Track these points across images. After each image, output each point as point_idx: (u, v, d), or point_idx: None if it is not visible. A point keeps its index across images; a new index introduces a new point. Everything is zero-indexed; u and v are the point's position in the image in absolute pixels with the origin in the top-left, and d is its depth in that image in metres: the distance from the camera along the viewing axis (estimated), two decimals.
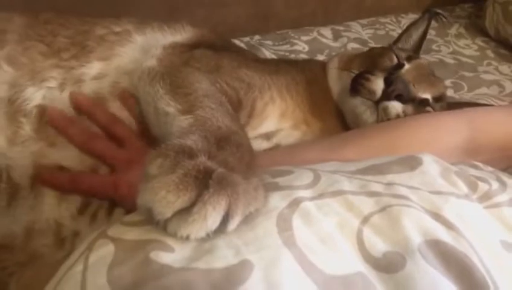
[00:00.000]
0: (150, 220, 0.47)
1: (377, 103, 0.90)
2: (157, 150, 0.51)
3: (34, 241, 0.81)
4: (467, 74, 1.60)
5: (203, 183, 0.47)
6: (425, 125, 0.85)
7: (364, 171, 0.63)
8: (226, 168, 0.51)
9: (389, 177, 0.61)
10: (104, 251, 0.45)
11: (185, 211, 0.46)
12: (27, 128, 0.84)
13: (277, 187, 0.57)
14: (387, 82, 0.90)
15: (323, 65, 1.10)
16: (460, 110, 0.89)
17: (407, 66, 0.99)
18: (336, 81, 1.03)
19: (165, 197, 0.46)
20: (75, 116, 0.86)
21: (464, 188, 0.61)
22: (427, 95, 0.98)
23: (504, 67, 1.66)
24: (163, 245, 0.44)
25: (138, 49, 0.98)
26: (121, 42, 0.97)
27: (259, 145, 0.91)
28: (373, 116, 0.91)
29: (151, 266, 0.42)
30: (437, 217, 0.55)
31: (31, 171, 0.82)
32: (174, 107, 0.71)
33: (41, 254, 0.81)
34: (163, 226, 0.46)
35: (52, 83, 0.89)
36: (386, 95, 0.90)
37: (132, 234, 0.47)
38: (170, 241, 0.45)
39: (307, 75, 1.03)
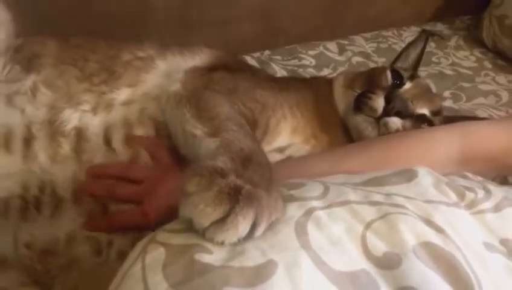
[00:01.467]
0: (191, 228, 0.58)
1: (378, 119, 1.01)
2: (193, 170, 0.62)
3: (75, 248, 0.91)
4: (465, 84, 1.69)
5: (234, 198, 0.57)
6: (421, 139, 0.95)
7: (367, 183, 0.74)
8: (251, 184, 0.61)
9: (388, 188, 0.71)
10: (157, 253, 0.55)
11: (220, 221, 0.56)
12: (66, 147, 0.94)
13: (293, 198, 0.67)
14: (387, 100, 1.01)
15: (329, 82, 1.21)
16: (453, 125, 0.99)
17: (408, 84, 1.09)
18: (341, 98, 1.13)
19: (203, 210, 0.56)
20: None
21: (453, 197, 0.72)
22: (425, 111, 1.08)
23: (501, 78, 1.75)
24: (203, 248, 0.55)
25: (161, 74, 1.07)
26: (146, 69, 1.07)
27: (273, 157, 1.01)
28: (374, 131, 1.01)
29: (196, 265, 0.53)
30: (429, 222, 0.65)
31: (73, 186, 0.92)
32: (201, 130, 0.82)
33: (81, 259, 0.91)
34: (202, 233, 0.57)
35: (86, 106, 0.98)
36: (387, 112, 1.00)
37: (178, 240, 0.57)
38: (209, 245, 0.56)
39: (315, 92, 1.14)
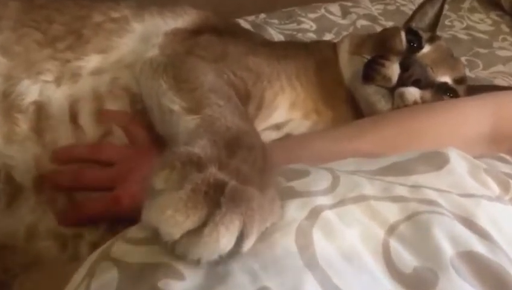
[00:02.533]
0: (157, 239, 0.43)
1: (393, 89, 0.85)
2: (162, 160, 0.46)
3: (37, 243, 0.77)
4: (481, 50, 1.52)
5: (214, 199, 0.42)
6: (447, 113, 0.80)
7: (386, 170, 0.59)
8: (238, 178, 0.46)
9: (414, 178, 0.56)
10: (107, 277, 0.40)
11: (195, 232, 0.41)
12: (24, 126, 0.79)
13: (294, 193, 0.52)
14: (404, 67, 0.84)
15: (333, 47, 1.04)
16: (484, 96, 0.83)
17: (426, 47, 0.93)
18: (347, 66, 0.97)
19: (172, 217, 0.41)
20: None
21: (495, 189, 0.57)
22: (447, 79, 0.92)
23: None
24: (172, 271, 0.40)
25: (137, 38, 0.91)
26: (119, 32, 0.91)
27: (268, 136, 0.86)
28: (388, 104, 0.85)
29: None
30: (469, 224, 0.50)
31: (34, 173, 0.77)
32: (179, 105, 0.66)
33: (45, 255, 0.78)
34: (171, 248, 0.42)
35: (48, 77, 0.83)
36: (403, 81, 0.84)
37: (138, 256, 0.42)
38: (180, 265, 0.41)
39: (317, 59, 0.98)
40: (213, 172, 0.45)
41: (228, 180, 0.44)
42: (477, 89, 1.01)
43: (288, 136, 0.87)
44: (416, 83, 0.84)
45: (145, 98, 0.79)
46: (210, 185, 0.43)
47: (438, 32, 1.23)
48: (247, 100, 0.83)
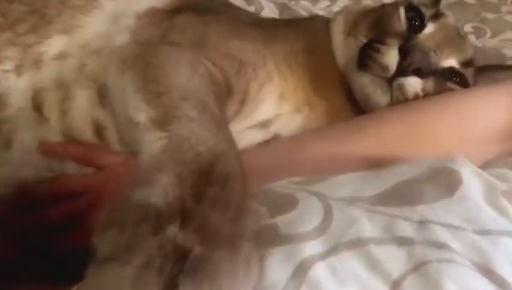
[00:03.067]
0: None
1: (391, 79, 0.74)
2: (110, 214, 0.37)
3: None
4: (489, 15, 1.40)
5: (171, 277, 0.33)
6: (457, 110, 0.70)
7: (389, 197, 0.50)
8: (204, 238, 0.37)
9: (421, 210, 0.47)
10: None
11: None
12: None
13: (278, 238, 0.43)
14: (403, 53, 0.74)
15: (327, 24, 0.93)
16: (497, 86, 0.73)
17: (430, 27, 0.81)
18: (342, 49, 0.86)
19: None
20: None
21: None
22: (453, 62, 0.81)
23: None
24: None
25: (106, 18, 0.80)
26: (85, 9, 0.80)
27: (254, 135, 0.77)
28: (386, 97, 0.75)
29: None
30: (487, 272, 0.42)
31: None
32: (146, 114, 0.56)
33: None
34: None
35: (7, 65, 0.74)
36: (402, 70, 0.73)
37: None
38: None
39: (309, 41, 0.86)
40: (172, 235, 0.36)
41: (191, 246, 0.35)
42: (486, 70, 0.91)
43: (277, 138, 0.77)
44: (418, 72, 0.74)
45: (111, 99, 0.69)
46: (167, 257, 0.34)
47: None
48: (228, 94, 0.73)
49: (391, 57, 0.73)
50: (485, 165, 0.61)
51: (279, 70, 0.80)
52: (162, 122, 0.54)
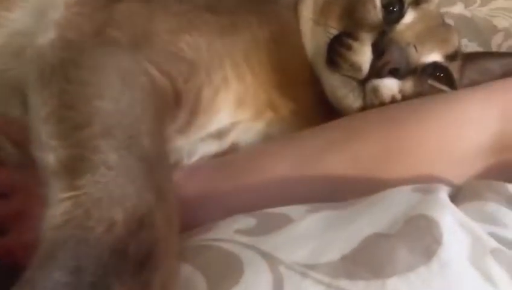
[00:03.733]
0: None
1: (364, 81, 0.64)
2: None
3: None
4: None
5: None
6: (442, 120, 0.60)
7: (354, 262, 0.41)
8: None
9: (393, 285, 0.39)
10: None
11: None
12: None
13: None
14: (377, 50, 0.63)
15: (295, 6, 0.81)
16: (489, 92, 0.62)
17: (409, 15, 0.70)
18: (310, 38, 0.75)
19: None
20: None
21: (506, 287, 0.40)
22: (436, 56, 0.71)
23: None
24: None
25: (30, 11, 0.68)
26: (9, 3, 0.68)
27: (208, 147, 0.67)
28: (359, 100, 0.65)
29: None
30: None
31: None
32: (55, 155, 0.45)
33: None
34: None
35: None
36: (376, 70, 0.63)
37: None
38: None
39: (274, 29, 0.75)
40: None
41: None
42: (474, 58, 0.81)
43: (235, 149, 0.67)
44: (394, 72, 0.63)
45: (30, 115, 0.57)
46: None
47: None
48: (177, 105, 0.62)
49: (364, 56, 0.63)
50: (476, 194, 0.52)
51: (238, 70, 0.69)
52: (71, 173, 0.43)
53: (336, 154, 0.59)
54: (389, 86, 0.63)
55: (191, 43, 0.67)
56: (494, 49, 1.15)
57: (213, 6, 0.79)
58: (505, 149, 0.59)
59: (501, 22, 1.17)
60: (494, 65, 0.80)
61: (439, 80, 0.70)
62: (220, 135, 0.67)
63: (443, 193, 0.49)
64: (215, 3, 0.81)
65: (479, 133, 0.59)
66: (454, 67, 0.73)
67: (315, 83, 0.73)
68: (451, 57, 0.72)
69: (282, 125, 0.71)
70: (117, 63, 0.58)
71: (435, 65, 0.70)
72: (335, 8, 0.73)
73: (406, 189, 0.51)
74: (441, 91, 0.70)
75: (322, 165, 0.59)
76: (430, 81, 0.69)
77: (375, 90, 0.63)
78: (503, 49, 1.15)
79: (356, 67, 0.63)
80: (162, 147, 0.51)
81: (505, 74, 0.79)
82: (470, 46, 1.16)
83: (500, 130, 0.59)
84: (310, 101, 0.72)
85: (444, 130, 0.59)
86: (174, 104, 0.61)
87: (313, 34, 0.74)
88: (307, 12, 0.77)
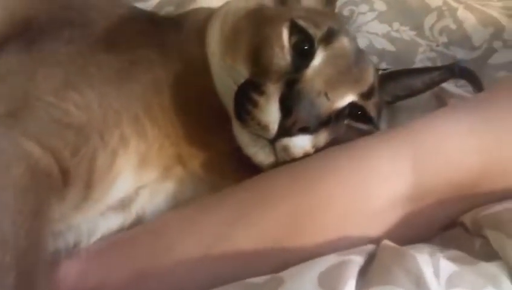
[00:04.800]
0: None
1: (274, 140, 0.59)
2: None
3: None
4: None
5: None
6: (352, 179, 0.57)
7: None
8: None
9: None
10: None
11: None
12: None
13: None
14: (285, 108, 0.58)
15: (202, 33, 0.73)
16: (399, 140, 0.59)
17: (319, 56, 0.64)
18: (219, 78, 0.68)
19: None
20: None
21: None
22: (350, 97, 0.65)
23: None
24: None
25: None
26: None
27: (110, 223, 0.62)
28: (270, 158, 0.60)
29: None
30: None
31: None
32: None
33: None
34: None
35: None
36: (285, 130, 0.58)
37: None
38: None
39: (178, 68, 0.68)
40: None
41: None
42: (397, 77, 0.77)
43: (140, 220, 0.62)
44: (305, 129, 0.59)
45: None
46: None
47: None
48: (65, 185, 0.56)
49: (271, 116, 0.57)
50: (386, 274, 0.50)
51: (137, 124, 0.62)
52: None
53: (243, 228, 0.56)
54: (300, 144, 0.59)
55: (79, 102, 0.60)
56: (427, 31, 1.11)
57: (110, 38, 0.70)
58: (422, 197, 0.57)
59: (434, 1, 1.13)
60: (416, 81, 0.77)
61: (356, 118, 0.66)
62: (122, 205, 0.62)
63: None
64: (113, 34, 0.73)
65: (392, 188, 0.57)
66: (370, 105, 0.68)
67: (226, 120, 0.67)
68: (366, 94, 0.67)
69: (194, 181, 0.66)
70: None
71: (350, 105, 0.65)
72: (241, 45, 0.66)
73: (313, 281, 0.48)
74: (359, 130, 0.66)
75: (230, 243, 0.55)
76: (346, 122, 0.65)
77: (286, 149, 0.59)
78: (436, 31, 1.11)
79: (263, 127, 0.58)
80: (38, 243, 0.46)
81: (428, 88, 0.77)
82: (402, 30, 1.12)
83: (413, 181, 0.57)
84: (224, 147, 0.66)
85: (355, 190, 0.56)
86: (61, 184, 0.55)
87: (221, 74, 0.67)
88: (214, 45, 0.69)
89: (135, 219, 0.63)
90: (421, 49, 1.09)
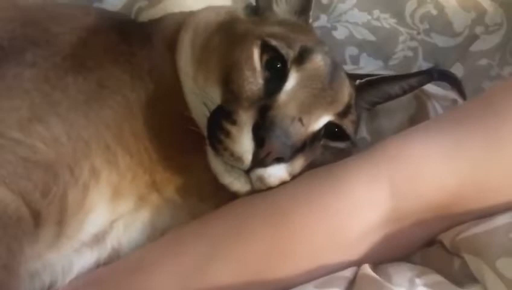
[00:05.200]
0: None
1: (248, 171, 0.57)
2: None
3: None
4: None
5: None
6: (329, 208, 0.56)
7: None
8: None
9: None
10: None
11: None
12: None
13: None
14: (258, 138, 0.55)
15: (172, 46, 0.70)
16: (374, 165, 0.57)
17: (292, 78, 0.61)
18: (191, 99, 0.66)
19: None
20: None
21: None
22: (326, 118, 0.63)
23: None
24: None
25: None
26: None
27: (85, 259, 0.61)
28: (246, 187, 0.59)
29: None
30: None
31: None
32: None
33: None
34: None
35: None
36: (259, 160, 0.56)
37: None
38: None
39: (149, 88, 0.65)
40: None
41: None
42: (377, 84, 0.75)
43: (116, 254, 0.61)
44: (280, 159, 0.57)
45: None
46: None
47: None
48: (37, 226, 0.55)
49: (244, 146, 0.56)
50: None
51: (108, 154, 0.61)
52: None
53: (221, 262, 0.55)
54: (276, 173, 0.57)
55: (46, 136, 0.57)
56: (407, 18, 1.08)
57: (76, 56, 0.67)
58: (400, 218, 0.57)
59: None
60: (394, 88, 0.75)
61: (333, 137, 0.64)
62: (97, 240, 0.60)
63: None
64: (79, 51, 0.69)
65: (370, 214, 0.56)
66: (347, 123, 0.66)
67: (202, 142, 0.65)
68: (342, 113, 0.65)
69: (170, 207, 0.64)
70: None
71: (326, 125, 0.64)
72: (212, 65, 0.63)
73: None
74: (336, 149, 0.65)
75: (208, 277, 0.54)
76: (323, 142, 0.63)
77: (262, 180, 0.57)
78: (417, 18, 1.08)
79: (237, 159, 0.56)
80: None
81: (406, 93, 0.76)
82: (383, 18, 1.09)
83: (392, 206, 0.56)
84: (202, 169, 0.63)
85: (333, 219, 0.56)
86: (32, 227, 0.54)
87: (193, 98, 0.65)
88: (185, 63, 0.67)
89: (111, 252, 0.61)
90: (401, 38, 1.06)
